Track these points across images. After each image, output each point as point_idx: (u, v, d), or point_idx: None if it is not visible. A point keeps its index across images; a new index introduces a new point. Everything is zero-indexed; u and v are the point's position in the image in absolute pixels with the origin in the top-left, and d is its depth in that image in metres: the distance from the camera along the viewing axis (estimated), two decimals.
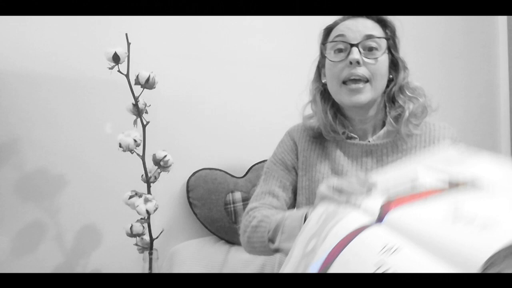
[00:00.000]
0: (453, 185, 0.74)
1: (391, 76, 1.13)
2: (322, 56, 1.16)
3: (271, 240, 1.02)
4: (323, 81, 1.16)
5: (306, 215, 0.92)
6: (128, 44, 1.38)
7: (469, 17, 2.41)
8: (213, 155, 1.82)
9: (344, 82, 1.07)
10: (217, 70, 1.85)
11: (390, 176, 0.82)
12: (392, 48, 1.11)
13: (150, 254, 1.45)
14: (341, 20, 1.12)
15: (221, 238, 1.77)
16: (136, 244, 1.46)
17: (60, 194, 1.61)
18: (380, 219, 0.70)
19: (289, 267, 0.78)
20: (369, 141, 1.13)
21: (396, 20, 1.13)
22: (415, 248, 0.62)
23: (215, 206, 1.73)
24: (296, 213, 0.98)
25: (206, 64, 1.83)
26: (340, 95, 1.09)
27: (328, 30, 1.15)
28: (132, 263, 1.57)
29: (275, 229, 1.00)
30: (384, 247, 0.64)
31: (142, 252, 1.47)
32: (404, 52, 1.16)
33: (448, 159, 0.83)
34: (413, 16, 1.22)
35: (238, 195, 1.75)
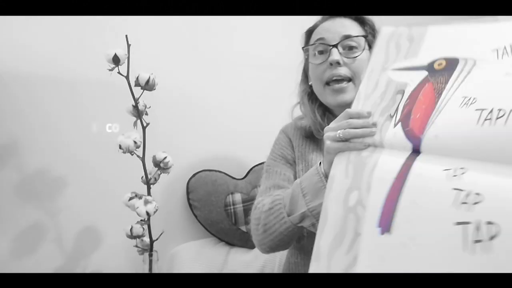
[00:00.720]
0: (432, 69, 0.74)
1: None
2: (306, 59, 1.17)
3: (291, 214, 0.98)
4: (309, 83, 1.17)
5: (323, 173, 0.91)
6: (128, 45, 1.38)
7: (468, 17, 2.40)
8: (213, 157, 1.83)
9: (328, 83, 1.08)
10: (217, 71, 1.85)
11: (374, 98, 0.81)
12: (372, 44, 1.10)
13: (150, 255, 1.45)
14: (320, 22, 1.14)
15: (221, 240, 1.77)
16: (136, 246, 1.46)
17: (60, 196, 1.61)
18: (415, 150, 0.70)
19: (329, 229, 0.76)
20: None
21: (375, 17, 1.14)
22: (476, 164, 0.62)
23: (215, 208, 1.73)
24: (307, 173, 0.96)
25: (206, 66, 1.83)
26: (324, 96, 1.10)
27: (309, 33, 1.17)
28: (132, 264, 1.57)
29: (291, 200, 0.98)
30: (447, 174, 0.64)
31: (142, 253, 1.47)
32: None
33: (399, 49, 0.82)
34: (412, 16, 1.21)
35: (238, 197, 1.75)
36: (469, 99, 0.67)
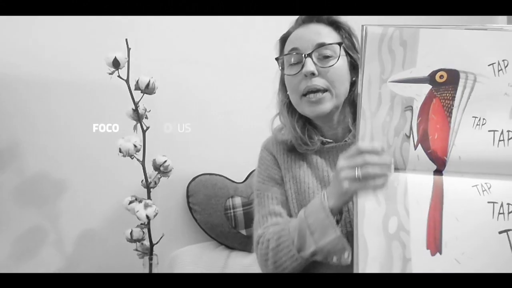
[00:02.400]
0: (434, 82, 0.77)
1: (354, 78, 1.06)
2: (282, 68, 1.12)
3: (300, 249, 0.93)
4: (287, 92, 1.11)
5: (329, 207, 0.87)
6: (128, 49, 1.38)
7: (468, 17, 2.38)
8: (213, 161, 1.82)
9: (304, 94, 1.03)
10: (217, 75, 1.85)
11: (382, 115, 0.80)
12: (349, 49, 1.05)
13: (150, 259, 1.45)
14: (293, 28, 1.09)
15: (221, 243, 1.77)
16: (136, 249, 1.46)
17: (60, 199, 1.61)
18: (439, 170, 0.76)
19: (373, 259, 0.76)
20: (345, 141, 1.07)
21: (351, 20, 1.08)
22: (497, 178, 0.73)
23: (215, 211, 1.73)
24: (312, 207, 0.92)
25: (206, 70, 1.83)
26: (301, 107, 1.06)
27: (282, 41, 1.12)
28: (132, 268, 1.57)
29: (299, 235, 0.93)
30: (478, 189, 0.74)
31: (142, 257, 1.47)
32: None
33: (393, 56, 0.79)
34: (411, 16, 1.20)
35: (238, 200, 1.75)
36: (479, 119, 0.75)
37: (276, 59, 1.11)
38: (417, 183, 0.76)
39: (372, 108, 0.80)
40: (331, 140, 1.09)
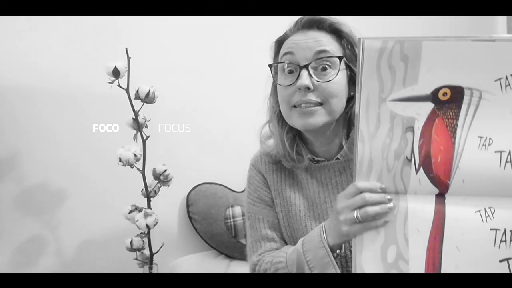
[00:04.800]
0: (437, 100, 0.72)
1: (352, 93, 0.98)
2: (275, 73, 1.03)
3: None
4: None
5: (328, 244, 0.85)
6: (128, 58, 1.39)
7: (468, 17, 2.39)
8: (213, 170, 1.83)
9: (295, 106, 0.95)
10: (217, 84, 1.85)
11: (381, 137, 0.75)
12: (350, 62, 0.96)
13: (150, 268, 1.44)
14: (291, 32, 1.00)
15: (221, 253, 1.76)
16: (136, 259, 1.46)
17: (60, 209, 1.61)
18: (441, 194, 0.72)
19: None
20: (337, 159, 1.02)
21: (354, 29, 0.99)
22: (502, 200, 0.70)
23: (215, 221, 1.72)
24: (310, 242, 0.88)
25: (207, 79, 1.83)
26: (291, 119, 0.97)
27: (278, 44, 1.03)
28: None
29: (298, 270, 0.89)
30: (481, 215, 0.71)
31: (142, 266, 1.46)
32: None
33: (393, 72, 0.73)
34: (412, 16, 1.20)
35: (238, 210, 1.75)
36: (485, 139, 0.71)
37: (270, 65, 1.03)
38: (418, 210, 0.72)
39: (370, 130, 0.74)
40: (322, 158, 1.03)
